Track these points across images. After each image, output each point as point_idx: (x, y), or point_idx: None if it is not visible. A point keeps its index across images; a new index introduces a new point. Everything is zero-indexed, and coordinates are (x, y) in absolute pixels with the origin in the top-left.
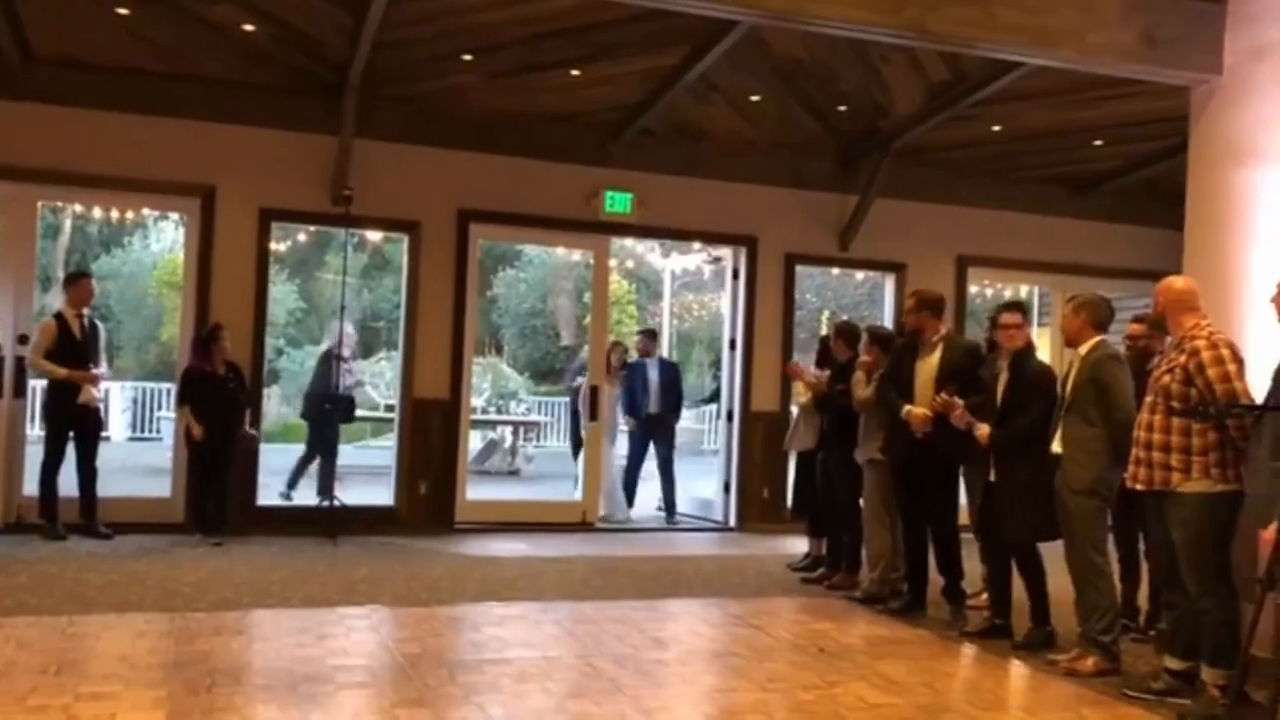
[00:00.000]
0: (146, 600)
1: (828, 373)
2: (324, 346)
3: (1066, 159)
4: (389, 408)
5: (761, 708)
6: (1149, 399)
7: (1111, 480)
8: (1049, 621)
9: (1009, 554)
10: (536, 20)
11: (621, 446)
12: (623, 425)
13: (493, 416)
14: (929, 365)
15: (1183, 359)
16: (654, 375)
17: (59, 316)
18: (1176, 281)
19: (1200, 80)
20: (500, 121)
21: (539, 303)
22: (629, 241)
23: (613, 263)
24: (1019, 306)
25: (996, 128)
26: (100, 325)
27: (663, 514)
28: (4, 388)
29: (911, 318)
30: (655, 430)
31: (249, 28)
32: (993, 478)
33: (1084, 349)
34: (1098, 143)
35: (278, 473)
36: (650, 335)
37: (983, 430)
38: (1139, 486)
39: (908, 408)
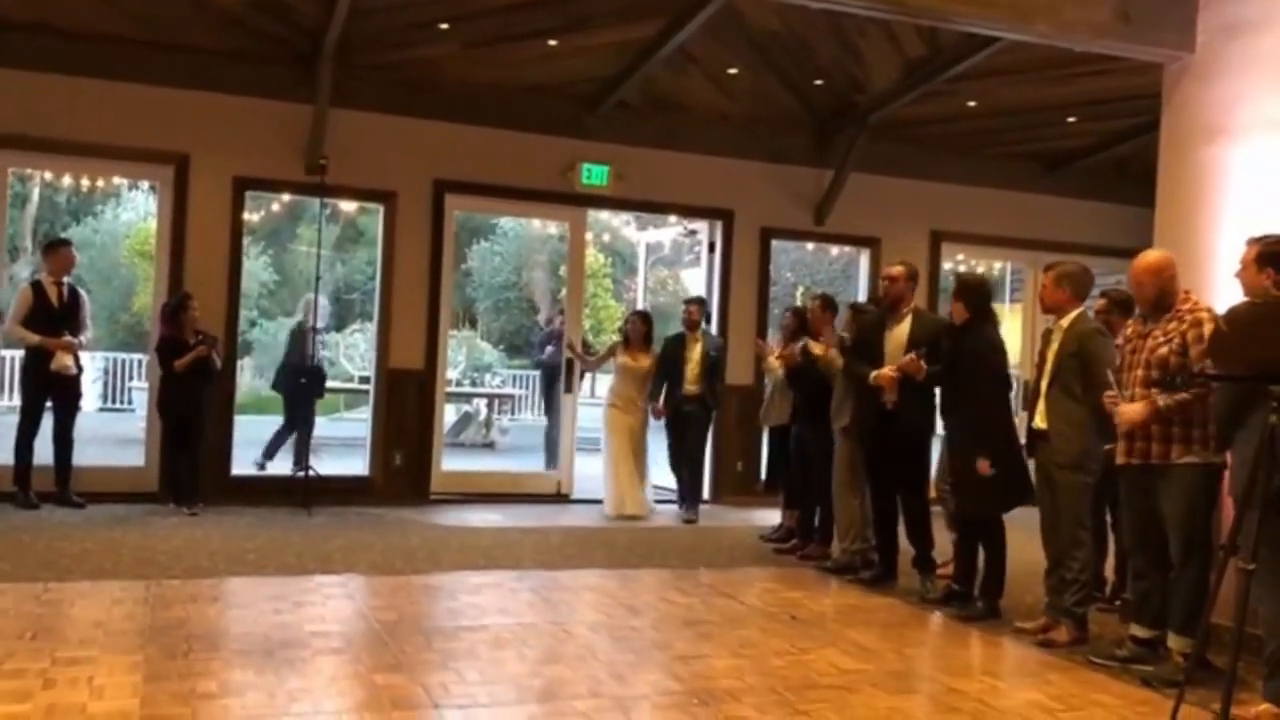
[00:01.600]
0: (121, 568)
1: (802, 344)
2: (296, 319)
3: (1040, 135)
4: (364, 379)
5: (734, 673)
6: (1140, 373)
7: (1098, 454)
8: (1000, 595)
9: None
10: None
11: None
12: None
13: (467, 389)
14: (898, 336)
15: (1183, 328)
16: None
17: (35, 284)
18: (1165, 256)
19: (1173, 57)
20: (477, 92)
21: (513, 276)
22: (605, 215)
23: (589, 236)
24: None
25: (972, 103)
26: (83, 293)
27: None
28: None
29: (900, 285)
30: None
31: None
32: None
33: (1066, 320)
34: (1071, 120)
35: (252, 444)
36: (700, 303)
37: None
38: (1133, 460)
39: (875, 372)
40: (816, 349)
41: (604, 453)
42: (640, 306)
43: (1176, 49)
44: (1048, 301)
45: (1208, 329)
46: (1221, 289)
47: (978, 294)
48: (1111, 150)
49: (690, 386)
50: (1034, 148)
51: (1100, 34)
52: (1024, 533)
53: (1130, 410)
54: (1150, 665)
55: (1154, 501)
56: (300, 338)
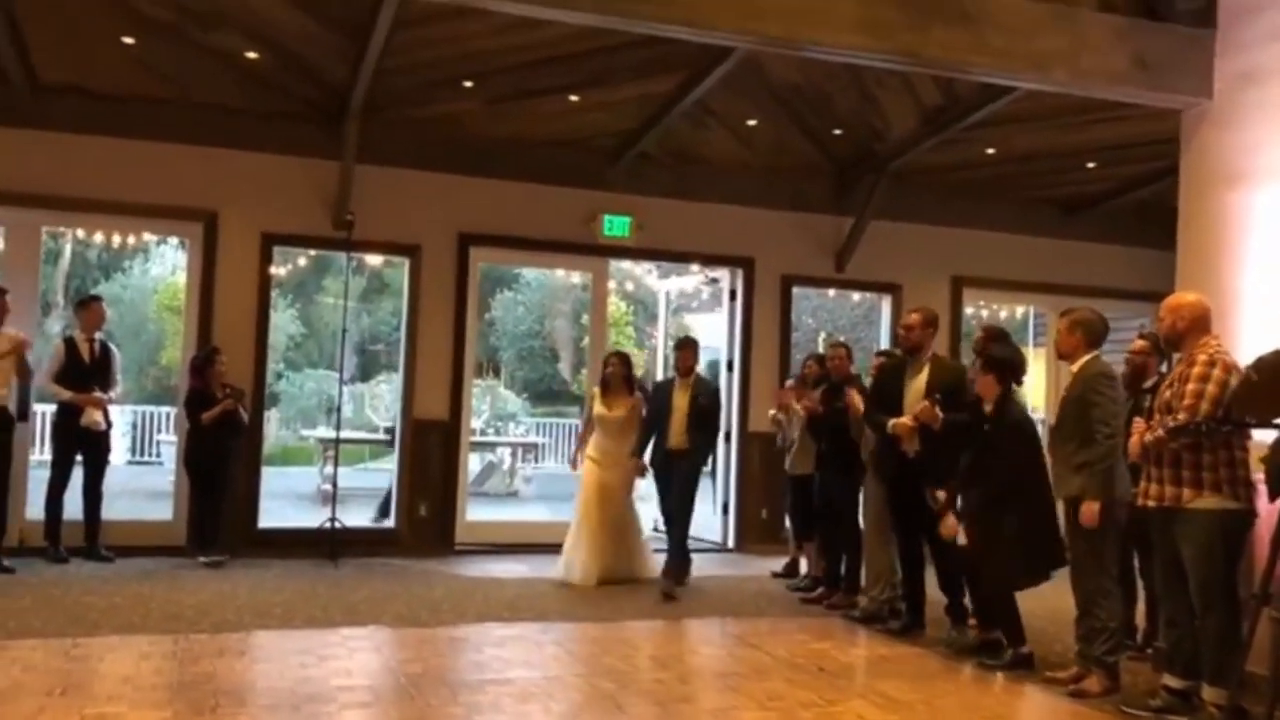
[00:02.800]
0: (149, 622)
1: (817, 392)
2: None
3: (1059, 181)
4: (389, 430)
5: None
6: (1156, 417)
7: (1123, 499)
8: (1024, 641)
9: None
10: (535, 47)
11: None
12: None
13: (491, 438)
14: (917, 384)
15: (1186, 369)
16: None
17: (68, 340)
18: (1200, 300)
19: (1191, 104)
20: (500, 146)
21: (537, 325)
22: (627, 264)
23: (611, 284)
24: (978, 351)
25: (990, 150)
26: (114, 349)
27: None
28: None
29: (917, 333)
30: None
31: (252, 55)
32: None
33: (1076, 366)
34: (1090, 165)
35: (277, 496)
36: (692, 346)
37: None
38: (1150, 503)
39: (892, 421)
40: (857, 400)
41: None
42: (620, 348)
43: (1194, 95)
44: (1061, 348)
45: (1197, 371)
46: (1245, 333)
47: (1014, 370)
48: (1132, 194)
49: (675, 439)
50: (1054, 193)
51: (1117, 82)
52: (1055, 581)
53: (1130, 441)
54: (1184, 716)
55: (1177, 546)
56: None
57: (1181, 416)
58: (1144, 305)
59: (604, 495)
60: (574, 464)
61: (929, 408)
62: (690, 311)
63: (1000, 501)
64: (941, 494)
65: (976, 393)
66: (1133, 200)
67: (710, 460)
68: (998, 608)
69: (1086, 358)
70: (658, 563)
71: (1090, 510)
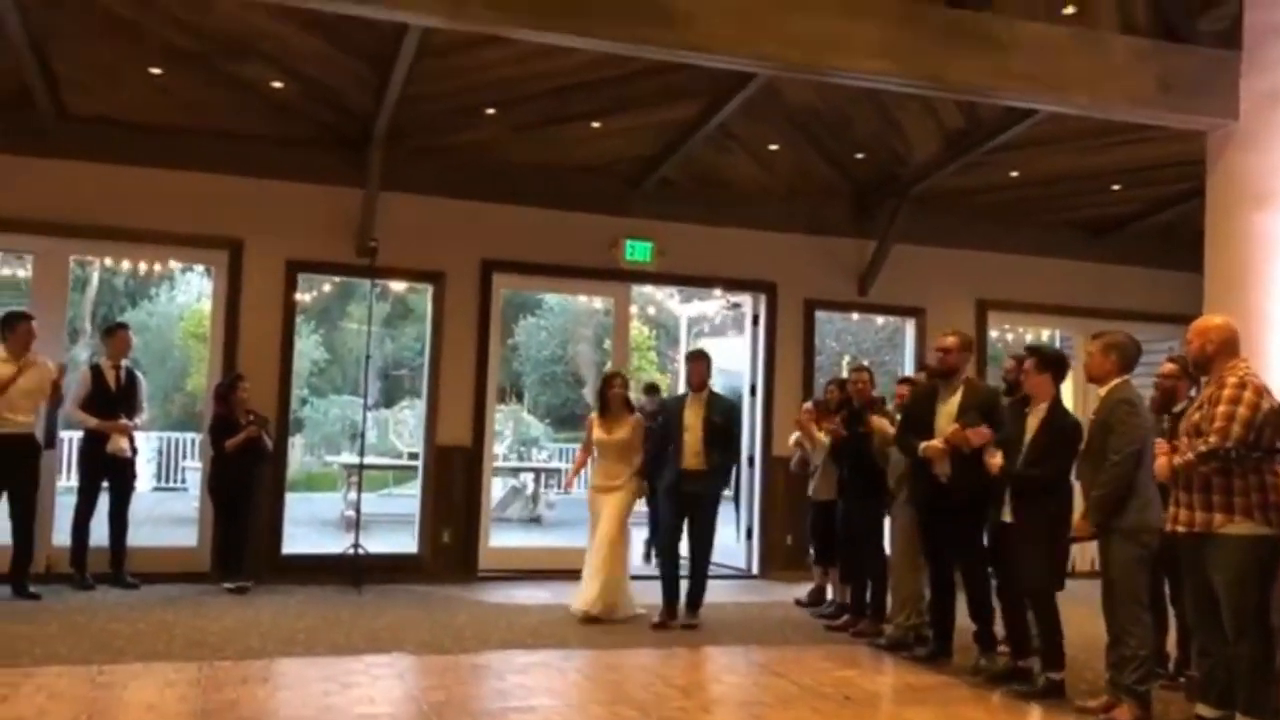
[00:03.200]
0: (174, 649)
1: (838, 417)
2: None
3: (1084, 203)
4: (412, 455)
5: None
6: (1185, 440)
7: (1153, 525)
8: (1062, 667)
9: (1024, 596)
10: (558, 74)
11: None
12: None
13: (514, 464)
14: (949, 407)
15: (1214, 392)
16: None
17: (95, 368)
18: (1228, 323)
19: (1216, 125)
20: (522, 173)
21: (559, 350)
22: (649, 288)
23: (633, 309)
24: (1032, 350)
25: (1014, 173)
26: (140, 376)
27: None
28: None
29: (954, 357)
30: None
31: (277, 85)
32: (1008, 518)
33: (1104, 390)
34: (1115, 187)
35: (301, 522)
36: (705, 360)
37: (995, 459)
38: (1179, 529)
39: (924, 444)
40: (884, 424)
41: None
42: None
43: (1220, 116)
44: (1094, 371)
45: (1227, 393)
46: (1275, 355)
47: (1063, 368)
48: (1157, 216)
49: (690, 460)
50: (1078, 215)
51: (1141, 104)
52: (1086, 607)
53: (1157, 464)
54: None
55: (1208, 572)
56: None
57: (1213, 440)
58: (1171, 328)
59: (608, 518)
60: (568, 487)
61: (959, 430)
62: (707, 336)
63: (1045, 497)
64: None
65: (1026, 392)
66: (1159, 222)
67: (733, 484)
68: (1042, 624)
69: (1116, 381)
70: (635, 602)
71: (1083, 528)
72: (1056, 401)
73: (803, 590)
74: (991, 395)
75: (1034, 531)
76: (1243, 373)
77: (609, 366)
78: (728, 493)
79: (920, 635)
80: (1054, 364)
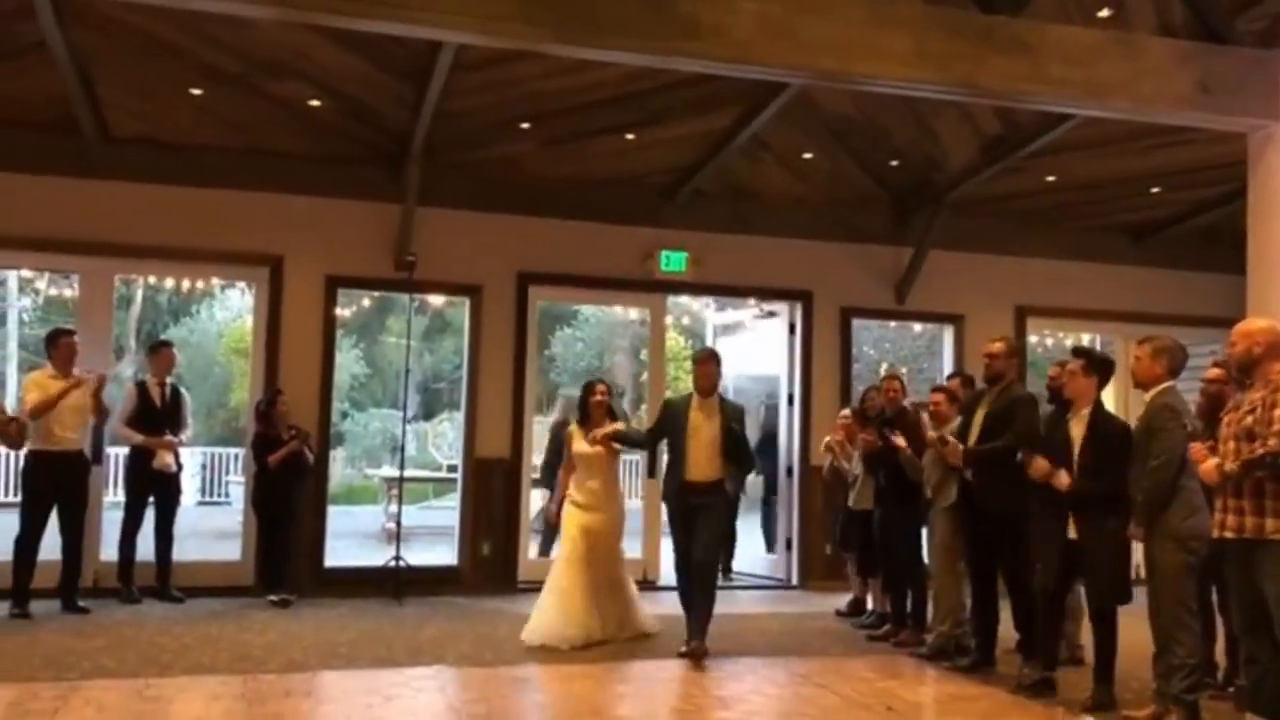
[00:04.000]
0: (219, 663)
1: (870, 427)
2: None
3: (1124, 207)
4: (451, 468)
5: None
6: (1232, 445)
7: (1202, 532)
8: (1113, 682)
9: (1060, 607)
10: (591, 88)
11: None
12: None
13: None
14: (978, 416)
15: (1266, 393)
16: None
17: (140, 384)
18: (1273, 325)
19: (1257, 126)
20: (557, 186)
21: (596, 360)
22: (684, 298)
23: (668, 319)
24: (1079, 352)
25: (1051, 178)
26: (184, 392)
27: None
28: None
29: (1000, 362)
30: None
31: (315, 103)
32: (1073, 535)
33: (1150, 395)
34: (1155, 190)
35: (343, 535)
36: (716, 360)
37: (1061, 479)
38: (1228, 534)
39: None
40: (901, 441)
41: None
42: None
43: (1260, 118)
44: (1142, 375)
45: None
46: None
47: (1109, 372)
48: (1198, 219)
49: (699, 470)
50: (1118, 219)
51: (1180, 107)
52: (1132, 614)
53: (1203, 468)
54: None
55: (1257, 580)
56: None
57: (1271, 443)
58: (1213, 332)
59: (591, 543)
60: (553, 519)
61: (953, 447)
62: (729, 334)
63: (1107, 510)
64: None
65: (1068, 396)
66: (1199, 225)
67: (773, 495)
68: (1101, 637)
69: (1162, 386)
70: (648, 616)
71: (1134, 534)
72: (1099, 406)
73: (843, 601)
74: (1012, 401)
75: (1099, 546)
76: None
77: (645, 377)
78: (747, 499)
79: (961, 644)
80: (1101, 367)
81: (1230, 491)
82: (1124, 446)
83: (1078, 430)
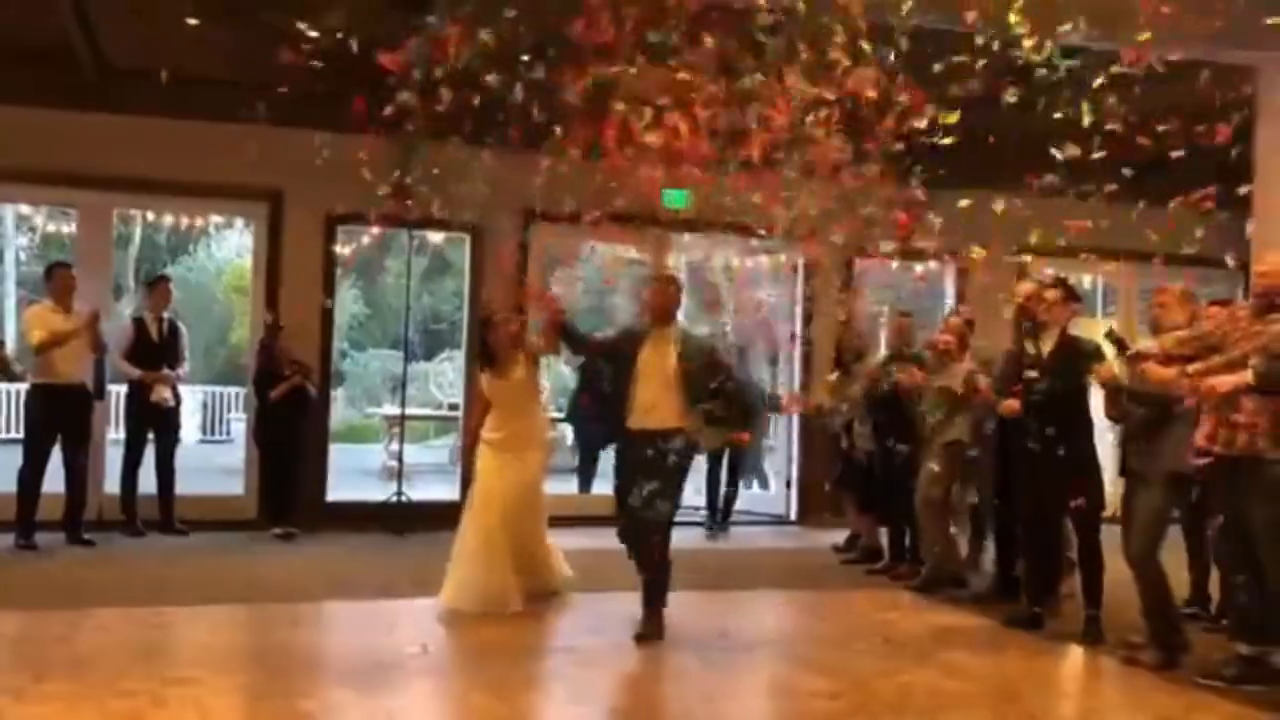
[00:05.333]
0: (225, 593)
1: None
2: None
3: (1127, 143)
4: (453, 406)
5: (828, 695)
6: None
7: (1182, 474)
8: (1100, 606)
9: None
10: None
11: None
12: None
13: (552, 414)
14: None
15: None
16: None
17: (138, 319)
18: None
19: (1268, 59)
20: (562, 121)
21: (596, 299)
22: (688, 237)
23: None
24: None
25: (1055, 115)
26: (182, 328)
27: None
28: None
29: (1034, 304)
30: None
31: (314, 34)
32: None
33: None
34: (1161, 128)
35: (344, 472)
36: (676, 285)
37: (1011, 405)
38: (1216, 449)
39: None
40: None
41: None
42: None
43: (1271, 50)
44: (1165, 321)
45: None
46: None
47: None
48: (1205, 158)
49: (644, 415)
50: (1122, 156)
51: (1188, 41)
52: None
53: (1219, 380)
54: (1261, 685)
55: (1243, 504)
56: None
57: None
58: (1218, 272)
59: (505, 486)
60: (468, 466)
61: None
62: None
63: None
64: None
65: (1041, 319)
66: (1207, 163)
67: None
68: (1087, 564)
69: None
70: (564, 569)
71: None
72: (1066, 330)
73: (840, 536)
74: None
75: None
76: None
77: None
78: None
79: (957, 578)
80: (1076, 298)
81: (1229, 408)
82: (1091, 357)
83: (1046, 346)
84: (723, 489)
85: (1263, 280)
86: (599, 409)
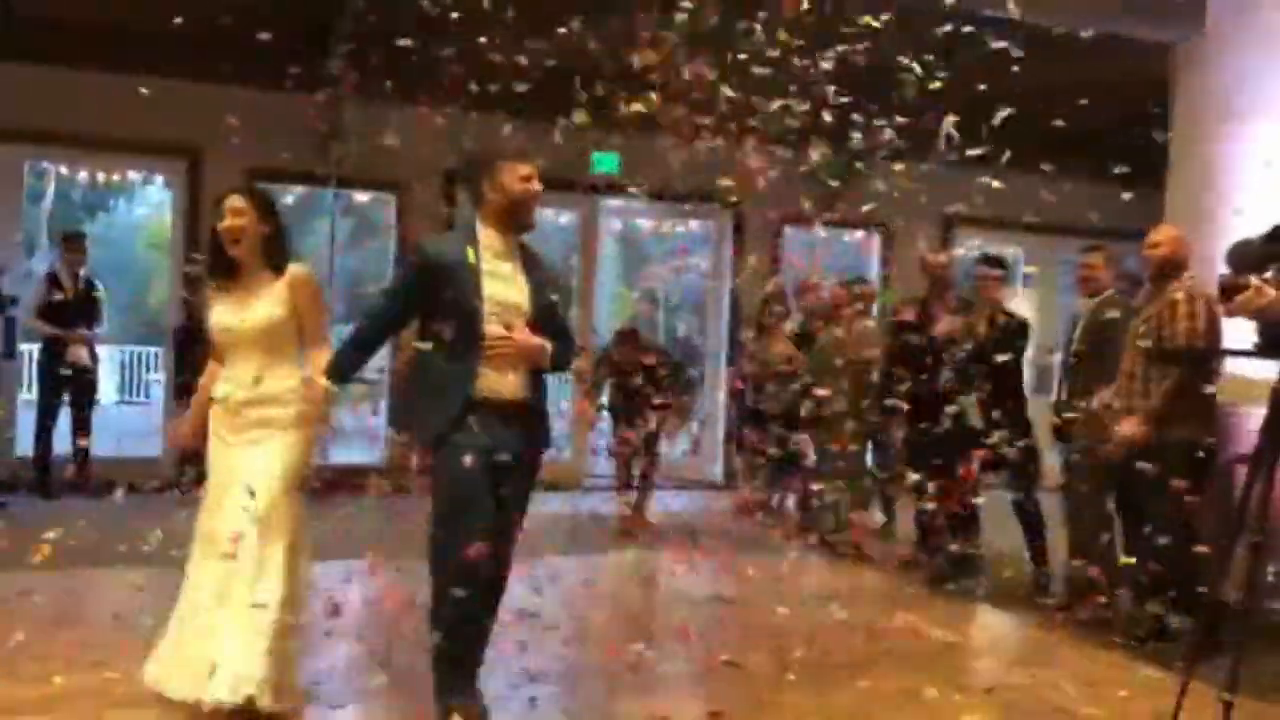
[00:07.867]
0: (142, 556)
1: None
2: None
3: (1044, 118)
4: (379, 370)
5: None
6: (1128, 354)
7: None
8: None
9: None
10: None
11: None
12: None
13: None
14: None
15: (1161, 309)
16: None
17: (51, 275)
18: (1163, 233)
19: (1182, 38)
20: (489, 78)
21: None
22: (617, 202)
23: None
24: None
25: (980, 86)
26: (99, 285)
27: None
28: None
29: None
30: None
31: None
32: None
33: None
34: (1080, 102)
35: None
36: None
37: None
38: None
39: None
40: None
41: None
42: None
43: (1185, 30)
44: (1097, 283)
45: (1187, 308)
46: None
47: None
48: (1120, 132)
49: (508, 383)
50: (1040, 130)
51: (1105, 15)
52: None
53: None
54: (1166, 641)
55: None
56: None
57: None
58: (1131, 245)
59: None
60: (184, 444)
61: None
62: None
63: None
64: None
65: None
66: (1120, 138)
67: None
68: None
69: (1110, 292)
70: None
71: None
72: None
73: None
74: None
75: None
76: (1188, 286)
77: (575, 283)
78: None
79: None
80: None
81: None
82: (1020, 334)
83: (982, 327)
84: None
85: (1155, 252)
86: None
